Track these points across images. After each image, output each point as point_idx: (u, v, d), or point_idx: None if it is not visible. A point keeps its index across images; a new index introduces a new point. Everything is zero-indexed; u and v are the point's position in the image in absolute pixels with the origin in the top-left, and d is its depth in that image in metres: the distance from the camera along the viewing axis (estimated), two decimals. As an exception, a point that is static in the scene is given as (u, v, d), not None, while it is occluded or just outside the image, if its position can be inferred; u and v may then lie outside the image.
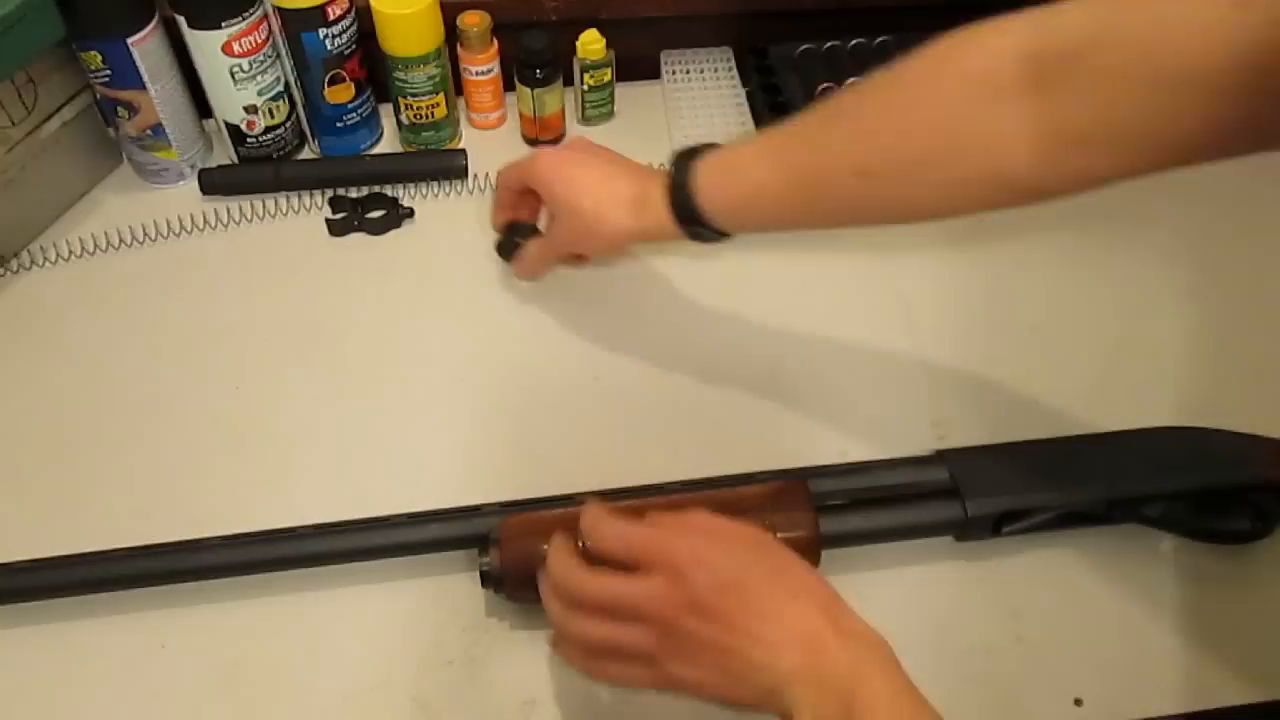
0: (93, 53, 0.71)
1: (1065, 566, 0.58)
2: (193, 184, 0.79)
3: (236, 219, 0.77)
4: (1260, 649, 0.55)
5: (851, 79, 0.80)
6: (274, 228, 0.77)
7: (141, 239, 0.76)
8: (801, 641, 0.42)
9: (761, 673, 0.42)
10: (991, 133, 0.48)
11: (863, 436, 0.63)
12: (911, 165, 0.51)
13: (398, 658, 0.55)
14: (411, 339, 0.70)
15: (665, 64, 0.87)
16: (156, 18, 0.72)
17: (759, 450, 0.61)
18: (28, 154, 0.73)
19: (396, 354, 0.69)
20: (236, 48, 0.73)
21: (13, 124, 0.71)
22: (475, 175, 0.80)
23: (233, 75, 0.74)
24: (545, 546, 0.51)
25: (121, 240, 0.76)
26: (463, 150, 0.81)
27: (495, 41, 0.80)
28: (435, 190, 0.80)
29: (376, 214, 0.77)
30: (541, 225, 0.69)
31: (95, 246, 0.75)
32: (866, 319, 0.70)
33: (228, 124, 0.78)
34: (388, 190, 0.79)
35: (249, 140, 0.79)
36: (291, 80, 0.78)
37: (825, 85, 0.81)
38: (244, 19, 0.72)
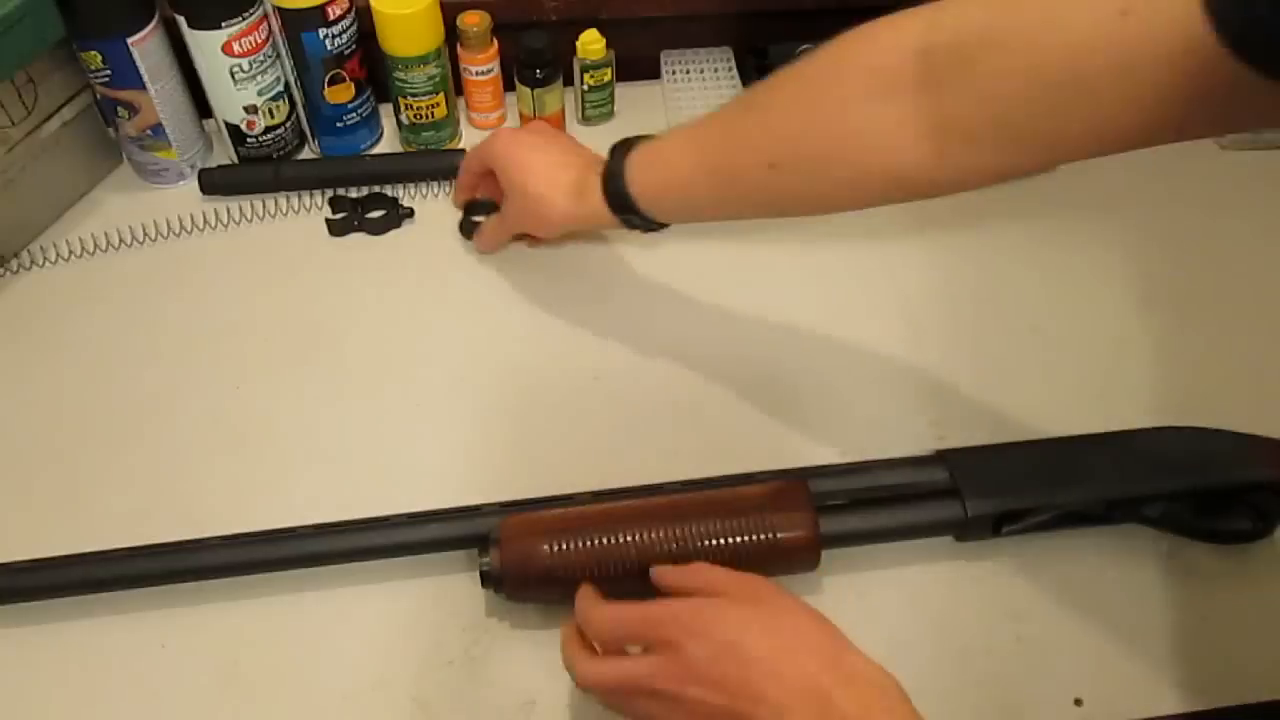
0: (93, 53, 0.71)
1: (1065, 567, 0.58)
2: (193, 184, 0.79)
3: (236, 219, 0.77)
4: (1260, 649, 0.55)
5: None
6: (274, 228, 0.77)
7: (141, 239, 0.76)
8: (805, 697, 0.42)
9: None
10: (883, 130, 0.49)
11: (862, 436, 0.63)
12: (814, 160, 0.52)
13: (398, 657, 0.55)
14: (411, 339, 0.70)
15: (665, 64, 0.87)
16: (156, 18, 0.72)
17: (759, 450, 0.61)
18: (28, 154, 0.73)
19: (396, 354, 0.69)
20: (236, 48, 0.73)
21: (13, 124, 0.71)
22: (475, 175, 0.80)
23: (233, 75, 0.74)
24: (545, 548, 0.52)
25: (121, 240, 0.76)
26: (463, 150, 0.80)
27: (495, 41, 0.80)
28: (435, 190, 0.80)
29: (376, 214, 0.77)
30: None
31: (95, 246, 0.75)
32: (867, 320, 0.70)
33: (228, 124, 0.78)
34: (388, 190, 0.79)
35: (249, 140, 0.79)
36: (291, 80, 0.78)
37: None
38: (244, 19, 0.72)
